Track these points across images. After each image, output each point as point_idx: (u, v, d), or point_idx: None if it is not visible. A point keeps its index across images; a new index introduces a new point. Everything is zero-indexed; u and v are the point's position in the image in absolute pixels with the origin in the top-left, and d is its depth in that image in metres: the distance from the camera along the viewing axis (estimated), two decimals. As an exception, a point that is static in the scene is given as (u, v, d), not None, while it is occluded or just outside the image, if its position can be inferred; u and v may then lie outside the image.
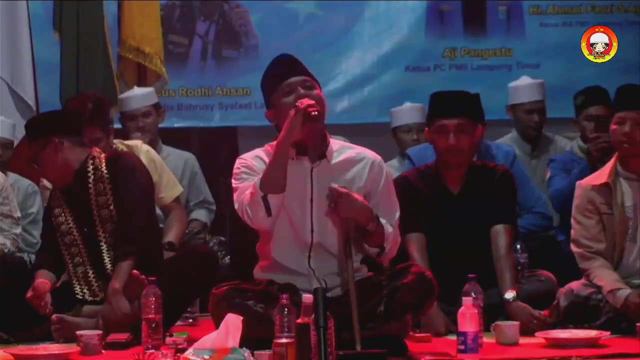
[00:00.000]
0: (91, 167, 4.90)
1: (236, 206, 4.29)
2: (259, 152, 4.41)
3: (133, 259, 4.68)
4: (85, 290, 4.85)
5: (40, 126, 5.00)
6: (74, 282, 4.88)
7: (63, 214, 4.95)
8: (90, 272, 4.86)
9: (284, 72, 4.33)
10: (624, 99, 4.88)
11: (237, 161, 4.40)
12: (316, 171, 4.30)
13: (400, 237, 4.39)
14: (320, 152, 4.31)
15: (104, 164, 4.92)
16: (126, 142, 5.81)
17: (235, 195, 4.32)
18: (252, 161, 4.35)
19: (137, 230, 4.81)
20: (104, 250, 4.85)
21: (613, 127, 4.85)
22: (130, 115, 6.35)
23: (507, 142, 6.40)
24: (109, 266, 4.81)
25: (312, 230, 4.31)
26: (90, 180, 4.88)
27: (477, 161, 5.24)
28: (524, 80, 6.69)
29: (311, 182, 4.31)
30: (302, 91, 4.26)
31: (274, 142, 4.34)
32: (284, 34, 7.50)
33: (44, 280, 4.84)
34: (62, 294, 4.87)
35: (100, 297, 4.78)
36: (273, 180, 4.16)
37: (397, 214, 4.37)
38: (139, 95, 6.44)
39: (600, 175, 4.87)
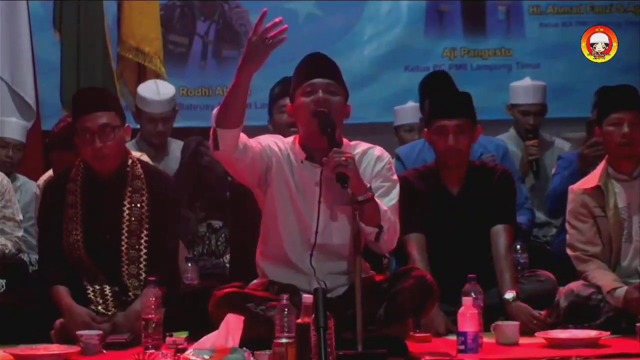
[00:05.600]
0: (129, 172, 4.83)
1: None
2: (275, 140, 4.40)
3: (163, 289, 4.47)
4: (99, 302, 4.74)
5: (119, 105, 4.89)
6: (89, 293, 4.74)
7: (75, 218, 4.80)
8: (107, 288, 4.75)
9: (310, 70, 4.31)
10: (617, 101, 4.86)
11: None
12: (325, 175, 4.25)
13: (399, 227, 4.34)
14: None
15: (141, 173, 4.84)
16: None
17: None
18: (267, 140, 4.36)
19: (175, 257, 4.85)
20: (124, 266, 4.75)
21: (609, 128, 4.82)
22: (149, 117, 6.32)
23: (504, 140, 6.38)
24: (130, 289, 4.72)
25: (316, 232, 4.30)
26: (127, 184, 4.80)
27: (476, 161, 5.23)
28: (524, 81, 6.68)
29: (320, 185, 4.30)
30: (321, 94, 4.24)
31: (290, 137, 4.40)
32: (283, 34, 7.50)
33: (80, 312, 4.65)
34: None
35: (113, 313, 4.69)
36: (224, 113, 4.17)
37: (393, 202, 4.32)
38: (163, 102, 6.37)
39: (591, 179, 4.87)
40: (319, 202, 4.29)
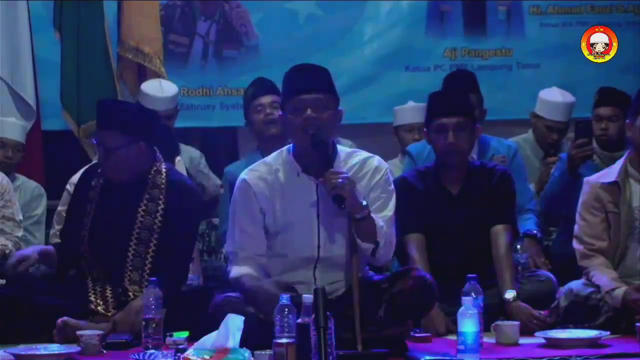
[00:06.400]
0: (150, 180, 4.82)
1: (227, 249, 4.44)
2: (262, 169, 4.39)
3: (164, 291, 4.42)
4: (100, 303, 4.77)
5: (132, 122, 4.78)
6: (91, 293, 4.78)
7: (89, 214, 4.84)
8: (108, 289, 4.78)
9: (298, 85, 4.27)
10: None
11: (238, 182, 4.40)
12: (322, 187, 4.26)
13: (394, 239, 4.36)
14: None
15: (162, 183, 4.83)
16: None
17: (228, 238, 4.43)
18: (252, 186, 4.33)
19: (180, 270, 4.83)
20: (127, 271, 4.76)
21: None
22: None
23: (520, 142, 6.36)
24: (130, 292, 4.73)
25: (318, 246, 4.31)
26: (145, 192, 4.81)
27: (475, 161, 5.23)
28: (555, 95, 6.56)
29: (317, 198, 4.30)
30: (310, 112, 4.22)
31: (283, 150, 4.40)
32: (284, 34, 7.51)
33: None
34: (75, 301, 4.77)
35: (113, 314, 4.70)
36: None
37: (390, 214, 4.32)
38: (166, 99, 6.39)
39: (609, 174, 4.85)
40: (318, 215, 4.29)
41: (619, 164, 4.86)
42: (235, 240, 4.37)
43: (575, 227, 4.87)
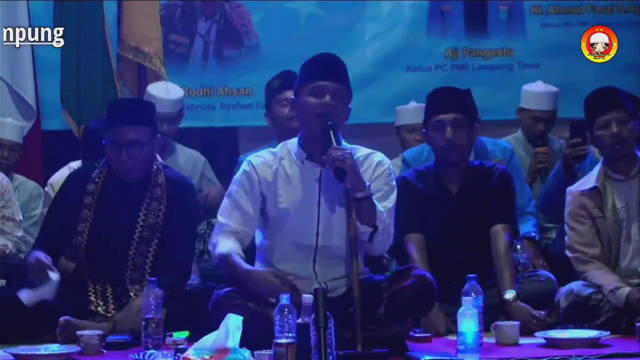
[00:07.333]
0: (152, 179, 4.83)
1: (217, 218, 4.44)
2: (267, 156, 4.43)
3: (168, 289, 4.46)
4: (100, 303, 4.78)
5: (153, 116, 4.84)
6: (91, 294, 4.79)
7: (87, 221, 4.82)
8: (109, 290, 4.79)
9: (322, 71, 4.31)
10: (601, 103, 4.86)
11: (243, 164, 4.45)
12: (325, 175, 4.30)
13: (392, 230, 4.37)
14: None
15: (163, 182, 4.84)
16: None
17: (221, 209, 4.44)
18: (256, 170, 4.38)
19: (182, 268, 4.83)
20: (128, 270, 4.78)
21: (598, 133, 4.83)
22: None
23: (511, 142, 6.37)
24: (131, 292, 4.75)
25: (317, 234, 4.31)
26: (148, 191, 4.81)
27: (475, 161, 5.23)
28: (537, 86, 6.61)
29: (319, 186, 4.32)
30: (328, 99, 4.25)
31: (292, 140, 4.43)
32: (284, 34, 7.50)
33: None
34: (75, 302, 4.77)
35: (113, 314, 4.71)
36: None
37: (390, 205, 4.34)
38: (171, 102, 6.38)
39: (589, 180, 4.88)
40: (319, 202, 4.30)
41: (596, 169, 4.89)
42: (227, 211, 4.39)
43: (566, 237, 4.89)
